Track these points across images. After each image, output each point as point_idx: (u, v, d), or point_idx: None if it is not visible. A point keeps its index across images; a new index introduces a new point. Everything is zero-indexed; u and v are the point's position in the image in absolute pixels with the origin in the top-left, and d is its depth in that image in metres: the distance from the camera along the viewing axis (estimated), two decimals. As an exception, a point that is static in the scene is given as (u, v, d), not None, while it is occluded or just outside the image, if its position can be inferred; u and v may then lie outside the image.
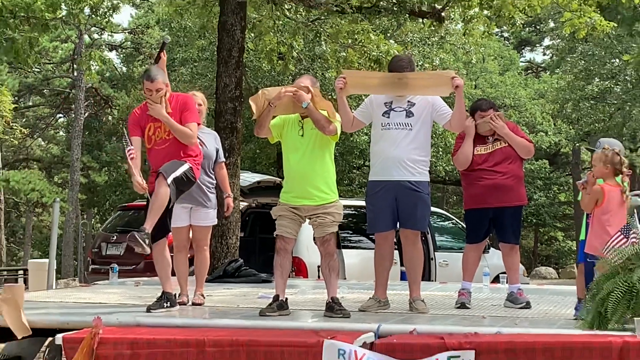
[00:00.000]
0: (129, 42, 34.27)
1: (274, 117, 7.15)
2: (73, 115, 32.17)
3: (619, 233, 6.26)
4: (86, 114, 32.13)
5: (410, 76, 7.27)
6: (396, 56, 7.79)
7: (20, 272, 18.97)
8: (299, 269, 11.48)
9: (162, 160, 7.10)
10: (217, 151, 8.31)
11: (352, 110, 7.51)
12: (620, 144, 7.30)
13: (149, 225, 6.78)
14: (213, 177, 8.26)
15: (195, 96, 7.89)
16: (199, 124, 7.49)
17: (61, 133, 40.33)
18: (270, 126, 7.13)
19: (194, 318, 6.87)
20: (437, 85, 7.30)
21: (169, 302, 7.15)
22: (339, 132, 7.13)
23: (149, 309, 6.93)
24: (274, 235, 7.09)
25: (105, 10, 13.51)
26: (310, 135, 7.01)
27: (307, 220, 7.12)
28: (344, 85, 7.25)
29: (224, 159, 8.55)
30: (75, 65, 29.77)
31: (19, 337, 6.27)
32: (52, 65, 34.16)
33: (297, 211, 7.02)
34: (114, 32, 30.93)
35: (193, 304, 7.73)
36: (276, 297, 6.89)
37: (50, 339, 6.31)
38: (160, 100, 7.11)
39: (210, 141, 8.22)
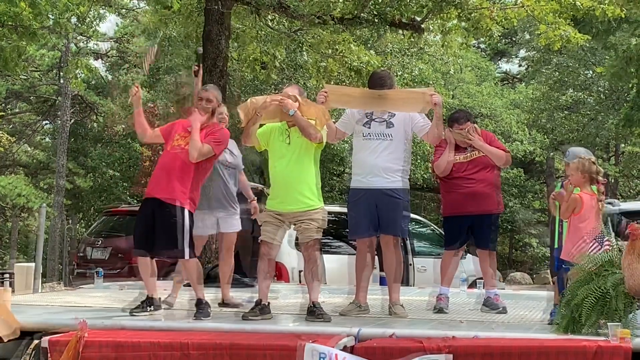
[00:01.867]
0: (114, 51, 34.28)
1: (261, 125, 7.26)
2: (59, 121, 32.09)
3: (594, 242, 6.42)
4: (72, 121, 32.05)
5: (390, 93, 7.45)
6: (376, 72, 7.87)
7: (7, 275, 18.91)
8: (279, 273, 11.55)
9: (162, 164, 7.27)
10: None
11: (334, 122, 7.70)
12: (589, 152, 7.51)
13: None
14: (238, 186, 8.45)
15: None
16: (215, 155, 7.42)
17: (47, 139, 40.20)
18: (257, 134, 7.26)
19: (177, 322, 6.94)
20: (416, 102, 7.49)
21: (151, 306, 7.21)
22: (324, 140, 7.26)
23: (131, 312, 7.00)
24: (259, 241, 7.19)
25: (92, 19, 13.58)
26: (297, 142, 7.12)
27: (292, 226, 7.23)
28: (325, 99, 7.42)
29: (243, 167, 8.72)
30: (61, 73, 29.71)
31: (5, 340, 6.33)
32: (38, 72, 34.08)
33: (282, 217, 7.12)
34: (100, 41, 30.91)
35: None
36: (258, 302, 7.00)
37: (36, 341, 6.33)
38: (207, 111, 7.36)
39: (236, 151, 8.41)
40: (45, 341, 6.04)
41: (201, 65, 8.08)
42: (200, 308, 7.06)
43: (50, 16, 12.87)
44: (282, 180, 7.12)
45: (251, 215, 8.78)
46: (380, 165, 7.34)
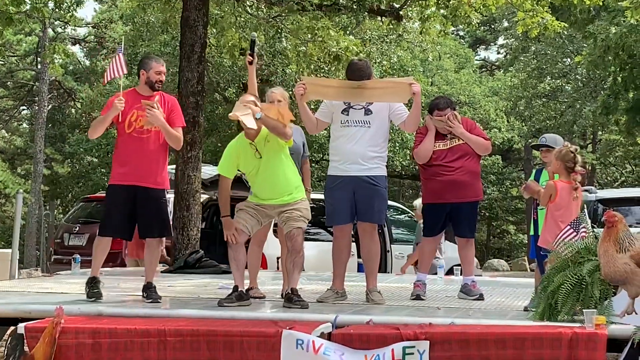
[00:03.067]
0: (92, 36, 34.11)
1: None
2: (36, 107, 31.95)
3: (569, 227, 6.46)
4: (49, 107, 31.95)
5: (369, 84, 7.45)
6: (354, 62, 7.79)
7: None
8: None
9: (134, 151, 7.26)
10: (304, 145, 8.16)
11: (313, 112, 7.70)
12: (561, 139, 7.58)
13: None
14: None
15: (274, 93, 7.68)
16: (183, 127, 7.58)
17: (24, 125, 40.07)
18: (226, 165, 7.17)
19: (155, 308, 6.92)
20: (395, 92, 7.50)
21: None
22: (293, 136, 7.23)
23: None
24: None
25: (69, 4, 13.47)
26: (267, 152, 7.06)
27: (276, 218, 7.20)
28: (304, 91, 7.42)
29: (308, 154, 8.37)
30: (39, 58, 29.56)
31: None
32: (16, 58, 33.88)
33: (261, 209, 7.12)
34: (78, 26, 30.76)
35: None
36: (235, 288, 6.99)
37: (12, 328, 6.33)
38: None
39: (297, 136, 7.96)
40: (21, 328, 6.01)
41: (255, 54, 7.85)
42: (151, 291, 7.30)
43: (28, 1, 12.77)
44: (263, 188, 7.11)
45: None
46: (359, 152, 7.34)
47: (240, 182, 12.34)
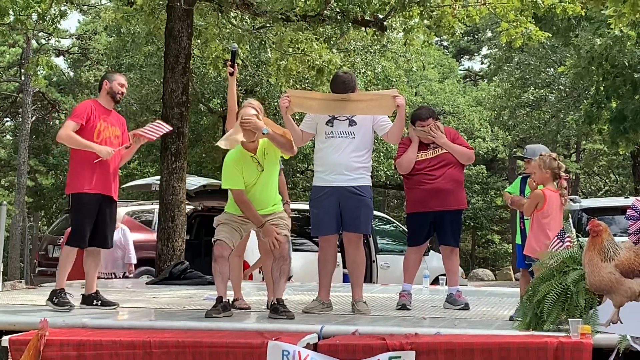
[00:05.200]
0: (76, 48, 34.07)
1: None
2: (20, 119, 31.83)
3: (556, 238, 6.48)
4: (33, 118, 31.85)
5: (353, 96, 7.47)
6: (339, 75, 7.77)
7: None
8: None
9: (109, 161, 7.44)
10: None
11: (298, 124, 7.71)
12: (547, 149, 7.62)
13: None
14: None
15: (251, 105, 7.49)
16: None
17: (8, 137, 39.93)
18: (230, 180, 7.10)
19: (139, 320, 6.90)
20: (380, 104, 7.54)
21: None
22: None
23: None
24: (212, 242, 7.12)
25: (53, 16, 13.44)
26: (268, 165, 7.11)
27: (255, 228, 7.19)
28: (289, 104, 7.44)
29: (283, 166, 8.35)
30: (22, 70, 29.46)
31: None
32: (-1, 69, 33.84)
33: (242, 220, 7.10)
34: (62, 38, 30.67)
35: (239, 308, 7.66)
36: (219, 299, 6.97)
37: (-4, 340, 6.29)
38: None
39: None
40: (5, 340, 5.98)
41: (236, 65, 7.89)
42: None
43: (11, 13, 12.74)
44: (254, 199, 7.08)
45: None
46: (344, 163, 7.36)
47: (213, 193, 12.36)
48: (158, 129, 7.78)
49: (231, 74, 7.82)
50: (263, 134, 6.96)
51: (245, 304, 7.74)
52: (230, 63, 7.89)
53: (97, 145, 7.40)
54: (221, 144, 7.02)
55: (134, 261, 11.68)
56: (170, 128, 8.04)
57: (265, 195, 7.12)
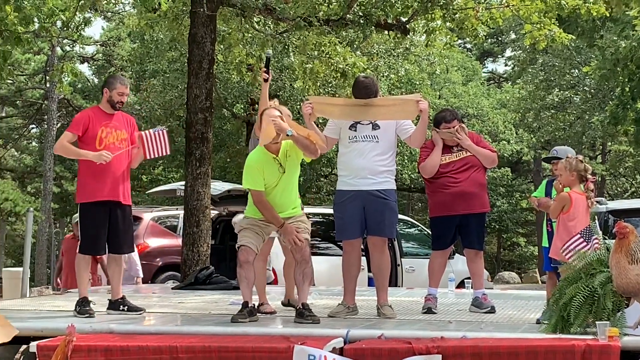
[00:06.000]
0: (100, 54, 34.34)
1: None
2: (46, 125, 32.13)
3: (579, 235, 6.44)
4: (59, 125, 32.11)
5: (376, 101, 7.47)
6: (360, 80, 7.75)
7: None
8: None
9: (108, 166, 7.44)
10: None
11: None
12: (573, 151, 7.57)
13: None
14: None
15: (275, 106, 7.50)
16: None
17: (34, 143, 40.29)
18: (251, 177, 7.11)
19: (166, 325, 6.94)
20: (403, 109, 7.53)
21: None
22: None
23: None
24: (237, 247, 7.12)
25: (77, 23, 13.55)
26: (290, 167, 7.14)
27: (276, 232, 7.21)
28: (312, 110, 7.45)
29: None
30: (47, 77, 29.73)
31: (-6, 345, 6.31)
32: (24, 77, 34.11)
33: (264, 224, 7.12)
34: (86, 45, 30.95)
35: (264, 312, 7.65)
36: (245, 304, 6.99)
37: (24, 346, 6.33)
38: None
39: None
40: (33, 346, 6.02)
41: (270, 71, 7.95)
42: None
43: (36, 21, 12.87)
44: (272, 200, 7.09)
45: None
46: (367, 167, 7.35)
47: (238, 198, 12.38)
48: (158, 144, 7.76)
49: (265, 80, 7.87)
50: (287, 135, 6.98)
51: (270, 308, 7.75)
52: (264, 69, 7.93)
53: (91, 153, 7.41)
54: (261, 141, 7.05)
55: (141, 275, 11.69)
56: (168, 152, 7.96)
57: (285, 198, 7.14)
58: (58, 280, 12.08)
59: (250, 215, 7.21)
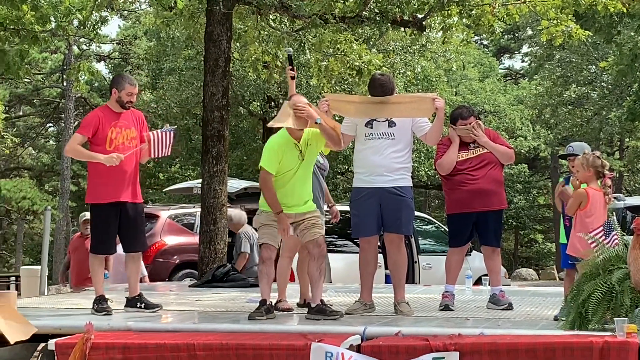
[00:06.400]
0: (117, 53, 34.46)
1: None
2: (63, 124, 32.27)
3: (601, 228, 6.42)
4: (76, 123, 32.21)
5: (392, 99, 7.46)
6: (376, 78, 7.72)
7: (13, 278, 19.18)
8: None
9: (118, 167, 7.44)
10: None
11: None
12: (589, 147, 7.53)
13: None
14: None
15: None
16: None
17: (51, 142, 40.46)
18: (270, 155, 7.12)
19: (183, 322, 6.96)
20: (418, 107, 7.53)
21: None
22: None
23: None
24: (259, 245, 7.17)
25: (94, 22, 13.60)
26: (309, 156, 7.18)
27: (291, 229, 7.22)
28: (328, 108, 7.45)
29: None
30: (64, 76, 29.86)
31: (12, 343, 6.34)
32: (41, 75, 34.28)
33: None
34: (102, 43, 31.07)
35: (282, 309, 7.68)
36: (263, 301, 7.00)
37: (42, 344, 6.37)
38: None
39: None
40: (52, 344, 6.07)
41: (295, 67, 8.00)
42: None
43: (53, 20, 12.93)
44: (289, 191, 7.11)
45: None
46: (384, 164, 7.34)
47: (254, 195, 12.41)
48: (163, 144, 7.78)
49: (292, 78, 7.88)
50: (316, 123, 7.00)
51: (287, 305, 7.76)
52: (290, 67, 7.96)
53: (102, 155, 7.43)
54: (272, 124, 7.08)
55: (145, 273, 11.73)
56: (169, 153, 7.98)
57: (303, 189, 7.15)
58: (64, 278, 12.14)
59: (266, 209, 7.18)
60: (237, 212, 12.15)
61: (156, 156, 7.90)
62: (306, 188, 7.23)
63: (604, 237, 6.37)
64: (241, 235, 11.85)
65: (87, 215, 11.35)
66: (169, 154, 7.98)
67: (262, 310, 6.91)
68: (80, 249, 11.26)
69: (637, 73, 20.21)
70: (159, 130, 7.84)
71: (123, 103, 7.63)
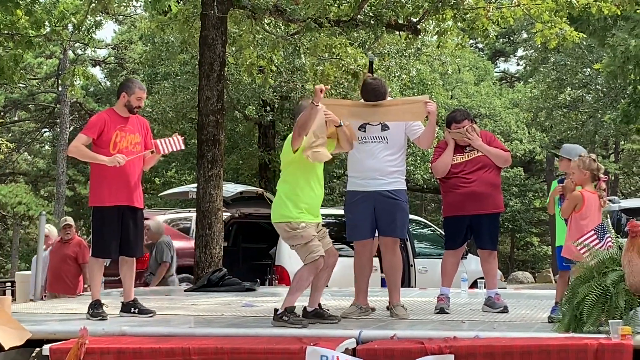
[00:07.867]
0: (112, 58, 34.43)
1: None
2: (58, 129, 32.25)
3: (593, 232, 6.42)
4: (71, 128, 32.23)
5: (385, 103, 7.47)
6: (368, 83, 7.71)
7: (8, 284, 19.15)
8: (281, 277, 11.58)
9: (122, 171, 7.45)
10: None
11: None
12: (584, 150, 7.54)
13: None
14: None
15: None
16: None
17: (47, 147, 40.40)
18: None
19: (179, 327, 6.96)
20: (411, 110, 7.55)
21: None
22: None
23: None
24: (315, 257, 6.82)
25: (89, 27, 13.62)
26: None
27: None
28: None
29: None
30: (59, 81, 29.86)
31: (7, 348, 6.33)
32: (37, 80, 34.25)
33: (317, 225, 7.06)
34: (98, 48, 31.03)
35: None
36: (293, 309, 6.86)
37: (37, 349, 6.35)
38: None
39: None
40: (46, 349, 6.05)
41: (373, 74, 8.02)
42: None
43: (47, 24, 12.93)
44: (315, 190, 6.97)
45: None
46: (378, 168, 7.36)
47: (261, 200, 12.41)
48: (173, 143, 7.82)
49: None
50: (339, 126, 7.01)
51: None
52: (369, 74, 7.97)
53: (105, 157, 7.44)
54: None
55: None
56: (183, 147, 8.04)
57: (321, 190, 7.04)
58: (44, 286, 12.11)
59: (310, 220, 6.89)
60: (155, 222, 12.22)
61: (166, 152, 7.92)
62: (322, 189, 7.10)
63: (596, 241, 6.37)
64: (162, 245, 11.90)
65: (68, 220, 11.37)
66: (183, 147, 8.00)
67: (293, 317, 6.74)
68: (57, 254, 11.20)
69: (631, 76, 20.23)
70: (166, 139, 7.87)
71: (132, 107, 7.65)
